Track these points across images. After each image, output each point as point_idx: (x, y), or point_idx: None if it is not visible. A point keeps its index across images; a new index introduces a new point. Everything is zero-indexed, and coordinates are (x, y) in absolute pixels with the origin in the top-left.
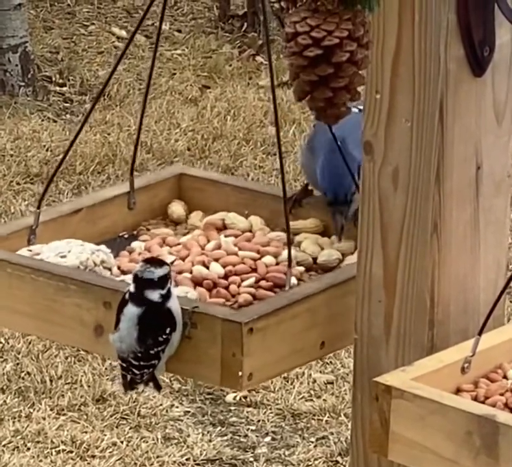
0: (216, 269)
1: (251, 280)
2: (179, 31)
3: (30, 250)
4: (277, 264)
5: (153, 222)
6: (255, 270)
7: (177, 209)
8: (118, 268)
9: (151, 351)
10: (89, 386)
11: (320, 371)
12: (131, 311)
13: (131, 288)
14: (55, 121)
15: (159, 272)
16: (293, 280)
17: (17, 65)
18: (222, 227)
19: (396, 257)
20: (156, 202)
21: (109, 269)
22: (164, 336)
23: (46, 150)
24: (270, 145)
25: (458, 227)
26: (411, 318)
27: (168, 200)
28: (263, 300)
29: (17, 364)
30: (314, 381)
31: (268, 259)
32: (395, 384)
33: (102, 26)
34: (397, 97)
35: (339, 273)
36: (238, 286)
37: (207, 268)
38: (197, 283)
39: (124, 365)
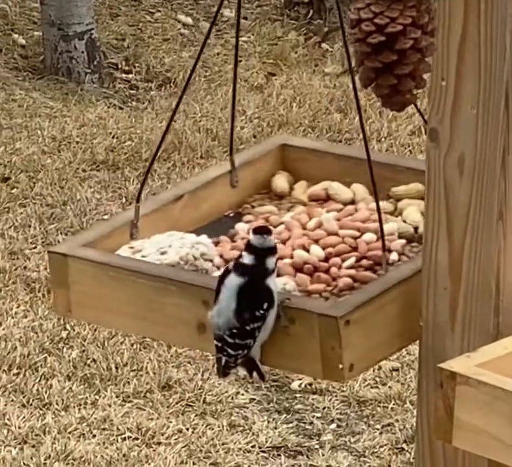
0: (317, 252)
1: (352, 260)
2: (245, 18)
3: (132, 247)
4: (378, 239)
5: (258, 198)
6: (355, 248)
7: (280, 182)
8: (221, 256)
9: (247, 327)
10: (154, 373)
11: (386, 359)
12: (233, 281)
13: (248, 260)
14: (121, 108)
15: (272, 239)
16: (394, 256)
17: (83, 52)
18: (326, 198)
19: (461, 244)
20: (260, 176)
21: (211, 260)
22: (261, 312)
23: (112, 137)
24: (336, 132)
25: None
26: (476, 305)
27: (271, 173)
28: (359, 289)
29: (83, 351)
30: (380, 368)
31: (368, 236)
32: (460, 371)
33: (167, 13)
34: (463, 84)
35: None
36: (339, 268)
37: (308, 251)
38: (298, 268)
39: (219, 345)
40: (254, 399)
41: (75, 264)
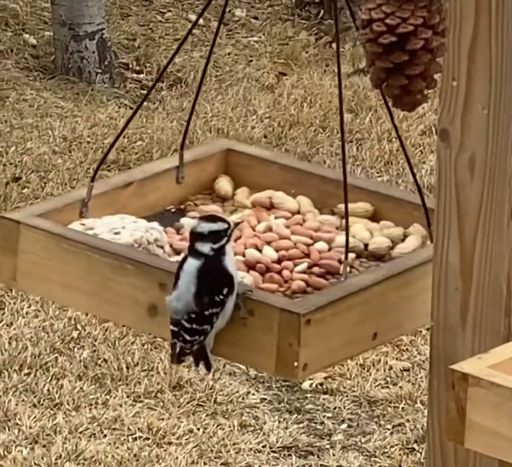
0: (270, 253)
1: (304, 266)
2: (256, 18)
3: (83, 224)
4: (329, 250)
5: (201, 197)
6: (307, 255)
7: (224, 185)
8: (171, 246)
9: (206, 312)
10: (165, 373)
11: (396, 359)
12: (191, 263)
13: (201, 246)
14: (132, 108)
15: (210, 226)
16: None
17: (94, 52)
18: (269, 206)
19: (472, 244)
20: (204, 177)
21: (162, 247)
22: (221, 297)
23: (123, 137)
24: (346, 132)
25: None
26: (487, 306)
27: (215, 175)
28: (320, 291)
29: (94, 351)
30: (390, 368)
31: (321, 245)
32: (472, 372)
33: (178, 13)
34: (474, 84)
35: (394, 264)
36: (291, 271)
37: (260, 251)
38: (250, 266)
39: (176, 330)
40: (265, 399)
41: (27, 233)
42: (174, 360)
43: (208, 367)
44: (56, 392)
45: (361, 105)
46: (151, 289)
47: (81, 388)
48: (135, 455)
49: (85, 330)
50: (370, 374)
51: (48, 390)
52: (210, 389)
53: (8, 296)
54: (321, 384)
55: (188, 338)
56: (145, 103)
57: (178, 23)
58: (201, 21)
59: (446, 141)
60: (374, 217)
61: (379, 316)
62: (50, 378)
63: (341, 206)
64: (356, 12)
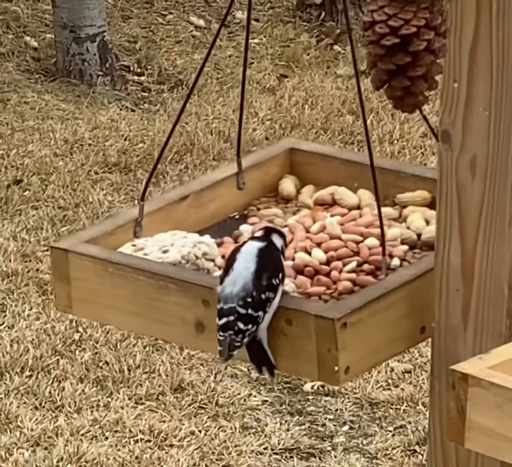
0: (318, 255)
1: (353, 264)
2: (257, 20)
3: (134, 245)
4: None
5: (264, 200)
6: (357, 253)
7: (287, 186)
8: (223, 257)
9: (263, 296)
10: (167, 376)
11: (398, 361)
12: (252, 244)
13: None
14: (133, 110)
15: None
16: (396, 261)
17: (95, 55)
18: (332, 203)
19: (474, 245)
20: (268, 179)
21: (212, 260)
22: (277, 281)
23: (125, 139)
24: (348, 134)
25: None
26: (488, 307)
27: (279, 176)
28: (357, 292)
29: (96, 353)
30: (392, 370)
31: (371, 241)
32: (472, 372)
33: (180, 15)
34: (475, 86)
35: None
36: (340, 271)
37: (310, 254)
38: (298, 270)
39: (229, 320)
40: (266, 401)
41: (76, 260)
42: (224, 354)
43: (271, 370)
44: (58, 395)
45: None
46: (196, 306)
47: (83, 390)
48: (136, 457)
49: (86, 332)
50: (371, 376)
51: (49, 392)
52: (212, 391)
53: (9, 298)
54: (323, 386)
55: (242, 326)
56: (146, 105)
57: (179, 25)
58: (202, 24)
59: (447, 142)
60: (432, 205)
61: (424, 309)
62: (51, 380)
63: (401, 196)
64: (352, 17)
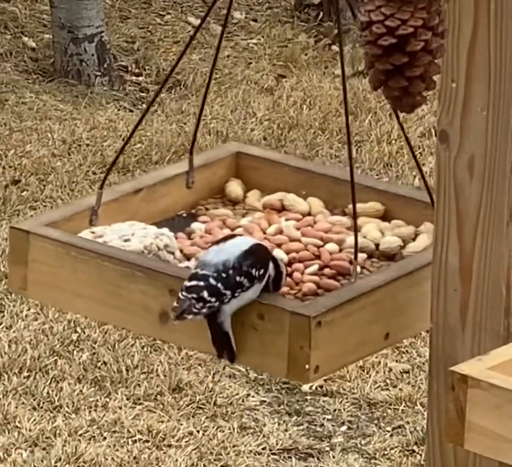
0: (280, 256)
1: (315, 267)
2: (255, 20)
3: (93, 232)
4: (340, 251)
5: (212, 201)
6: (318, 257)
7: (235, 188)
8: (181, 251)
9: (238, 278)
10: (165, 376)
11: (396, 361)
12: (250, 238)
13: None
14: (131, 111)
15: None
16: (358, 268)
17: (93, 55)
18: (281, 209)
19: (472, 245)
20: (214, 181)
21: (172, 253)
22: (260, 273)
23: (123, 139)
24: (345, 134)
25: None
26: (487, 307)
27: (226, 179)
28: (329, 292)
29: (94, 353)
30: (390, 370)
31: (331, 247)
32: (471, 374)
33: (178, 15)
34: (473, 86)
35: (404, 264)
36: (302, 273)
37: None
38: None
39: (197, 284)
40: (264, 401)
41: (36, 242)
42: (177, 311)
43: (231, 357)
44: (56, 395)
45: (361, 107)
46: (162, 295)
47: (81, 390)
48: (134, 458)
49: (84, 333)
50: (370, 376)
51: (47, 392)
52: (210, 391)
53: (7, 298)
54: (321, 386)
55: (205, 295)
56: (144, 105)
57: (177, 26)
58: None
59: (445, 142)
60: (385, 217)
61: (390, 317)
62: (49, 381)
63: (351, 207)
64: (350, 17)
